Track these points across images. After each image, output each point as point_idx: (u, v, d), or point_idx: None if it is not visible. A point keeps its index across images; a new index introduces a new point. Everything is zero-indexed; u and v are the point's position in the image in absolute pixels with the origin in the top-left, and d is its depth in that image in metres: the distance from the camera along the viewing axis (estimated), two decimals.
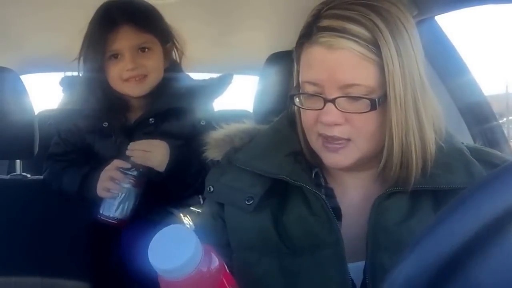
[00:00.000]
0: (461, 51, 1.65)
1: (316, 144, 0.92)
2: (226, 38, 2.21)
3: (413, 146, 0.88)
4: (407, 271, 0.41)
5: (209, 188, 1.01)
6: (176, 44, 1.56)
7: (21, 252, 1.53)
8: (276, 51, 1.49)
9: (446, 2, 1.44)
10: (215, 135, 1.07)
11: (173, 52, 1.57)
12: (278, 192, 0.96)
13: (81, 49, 1.48)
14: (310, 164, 0.99)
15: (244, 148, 1.02)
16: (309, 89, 0.89)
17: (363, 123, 0.87)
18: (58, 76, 2.79)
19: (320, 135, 0.90)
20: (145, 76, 1.46)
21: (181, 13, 1.61)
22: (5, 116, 1.50)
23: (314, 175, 0.98)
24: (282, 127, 1.02)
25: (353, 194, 0.97)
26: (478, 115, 1.64)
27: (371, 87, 0.85)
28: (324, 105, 0.86)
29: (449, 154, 0.92)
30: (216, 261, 0.69)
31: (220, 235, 0.98)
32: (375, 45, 0.83)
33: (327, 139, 0.89)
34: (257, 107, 1.43)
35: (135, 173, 1.39)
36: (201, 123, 1.50)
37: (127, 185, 1.38)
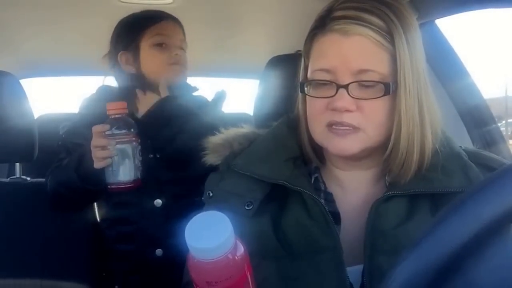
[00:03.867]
0: (461, 55, 1.65)
1: (321, 133, 0.92)
2: (227, 42, 2.21)
3: (415, 137, 0.90)
4: (406, 272, 0.41)
5: (209, 193, 1.01)
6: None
7: (21, 254, 1.53)
8: (276, 55, 1.49)
9: (446, 6, 1.44)
10: (214, 139, 1.07)
11: None
12: (277, 197, 0.96)
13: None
14: (310, 169, 0.99)
15: (243, 153, 1.02)
16: (321, 76, 0.90)
17: (373, 110, 0.88)
18: (57, 80, 2.80)
19: (327, 124, 0.90)
20: (183, 65, 1.57)
21: (182, 16, 1.62)
22: (5, 120, 1.50)
23: (314, 180, 0.99)
24: (281, 132, 1.02)
25: (352, 198, 0.97)
26: (477, 118, 1.64)
27: (383, 74, 0.87)
28: (337, 91, 0.88)
29: (447, 158, 0.93)
30: (242, 251, 0.72)
31: None
32: (388, 34, 0.87)
33: (335, 125, 0.89)
34: (257, 110, 1.43)
35: (117, 131, 1.32)
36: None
37: (115, 146, 1.31)
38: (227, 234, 0.68)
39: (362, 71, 0.87)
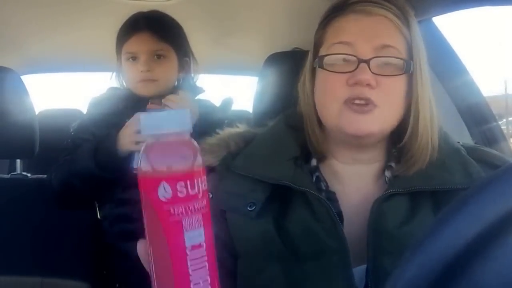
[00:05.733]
0: (460, 52, 1.65)
1: (338, 110, 0.89)
2: (226, 39, 2.21)
3: (428, 123, 0.91)
4: (409, 272, 0.41)
5: (208, 194, 0.99)
6: (193, 61, 1.67)
7: (22, 251, 1.53)
8: (275, 52, 1.49)
9: (443, 3, 1.44)
10: (210, 140, 1.04)
11: (190, 68, 1.67)
12: (279, 197, 0.94)
13: None
14: (310, 168, 0.97)
15: (242, 154, 0.99)
16: (341, 50, 0.90)
17: (393, 88, 0.89)
18: (58, 76, 2.80)
19: (345, 100, 0.88)
20: (155, 80, 1.54)
21: (181, 13, 1.62)
22: (6, 116, 1.50)
23: (315, 179, 0.96)
24: (280, 131, 1.01)
25: (353, 196, 0.96)
26: (477, 116, 1.63)
27: (402, 53, 0.89)
28: (358, 66, 0.87)
29: (446, 154, 0.92)
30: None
31: (226, 236, 0.95)
32: (405, 20, 0.90)
33: (354, 102, 0.87)
34: (256, 107, 1.43)
35: None
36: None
37: None
38: (185, 113, 0.56)
39: (383, 47, 0.88)
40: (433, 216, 0.89)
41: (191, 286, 0.53)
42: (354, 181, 0.97)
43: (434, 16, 1.55)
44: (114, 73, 1.66)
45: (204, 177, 0.54)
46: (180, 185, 0.52)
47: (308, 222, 0.90)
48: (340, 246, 0.86)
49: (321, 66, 0.92)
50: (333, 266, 0.86)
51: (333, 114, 0.90)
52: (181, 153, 0.54)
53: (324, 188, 0.96)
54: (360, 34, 0.89)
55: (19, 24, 1.97)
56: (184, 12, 1.64)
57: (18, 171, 1.69)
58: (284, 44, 1.65)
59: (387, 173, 0.95)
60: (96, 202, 1.67)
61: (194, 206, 0.53)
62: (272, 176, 0.93)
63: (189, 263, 0.53)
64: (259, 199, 0.92)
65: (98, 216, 1.67)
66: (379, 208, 0.88)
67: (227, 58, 2.39)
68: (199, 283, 0.53)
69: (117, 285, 1.58)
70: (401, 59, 0.88)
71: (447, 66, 1.63)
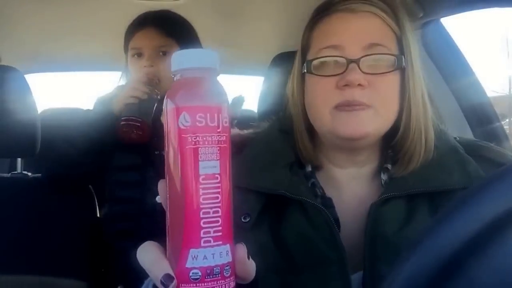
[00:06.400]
0: (466, 52, 1.65)
1: (329, 115, 0.87)
2: (232, 39, 2.20)
3: (421, 121, 0.89)
4: (407, 270, 0.41)
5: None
6: None
7: (20, 250, 1.53)
8: (281, 52, 1.49)
9: (451, 4, 1.43)
10: None
11: None
12: (274, 206, 0.90)
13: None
14: (305, 173, 0.95)
15: (234, 162, 0.97)
16: (329, 54, 0.87)
17: (385, 86, 0.86)
18: (61, 75, 2.80)
19: (336, 106, 0.85)
20: (158, 80, 1.53)
21: (187, 13, 1.62)
22: (9, 114, 1.50)
23: (310, 185, 0.94)
24: (274, 137, 0.98)
25: (350, 201, 0.93)
26: (481, 116, 1.63)
27: (392, 49, 0.87)
28: (347, 67, 0.85)
29: (443, 153, 0.90)
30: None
31: None
32: (395, 16, 0.88)
33: (346, 104, 0.85)
34: (261, 107, 1.42)
35: (150, 87, 1.50)
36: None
37: (147, 90, 1.48)
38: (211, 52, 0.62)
39: (372, 45, 0.85)
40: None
41: (201, 214, 0.54)
42: (350, 185, 0.95)
43: (442, 17, 1.54)
44: (122, 74, 1.66)
45: (226, 115, 0.57)
46: (199, 116, 0.54)
47: (305, 231, 0.87)
48: (339, 256, 0.84)
49: (310, 71, 0.90)
50: (332, 276, 0.83)
51: (325, 120, 0.88)
52: (205, 87, 0.57)
53: (319, 194, 0.93)
54: (347, 34, 0.87)
55: (23, 23, 1.96)
56: (191, 12, 1.64)
57: (19, 170, 1.69)
58: (291, 44, 1.65)
59: (383, 176, 0.93)
60: (96, 200, 1.66)
61: (211, 138, 0.56)
62: (266, 185, 0.89)
63: (200, 192, 0.55)
64: (253, 209, 0.88)
65: (98, 215, 1.67)
66: (376, 213, 0.86)
67: (233, 58, 2.39)
68: (209, 212, 0.55)
69: (115, 284, 1.58)
70: (391, 55, 0.86)
71: (453, 66, 1.63)
